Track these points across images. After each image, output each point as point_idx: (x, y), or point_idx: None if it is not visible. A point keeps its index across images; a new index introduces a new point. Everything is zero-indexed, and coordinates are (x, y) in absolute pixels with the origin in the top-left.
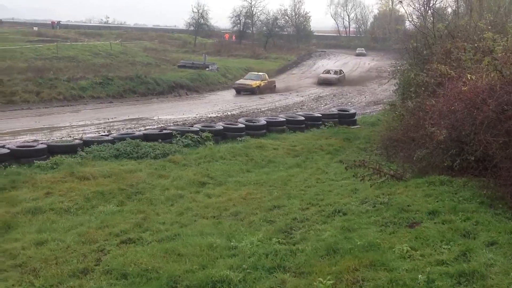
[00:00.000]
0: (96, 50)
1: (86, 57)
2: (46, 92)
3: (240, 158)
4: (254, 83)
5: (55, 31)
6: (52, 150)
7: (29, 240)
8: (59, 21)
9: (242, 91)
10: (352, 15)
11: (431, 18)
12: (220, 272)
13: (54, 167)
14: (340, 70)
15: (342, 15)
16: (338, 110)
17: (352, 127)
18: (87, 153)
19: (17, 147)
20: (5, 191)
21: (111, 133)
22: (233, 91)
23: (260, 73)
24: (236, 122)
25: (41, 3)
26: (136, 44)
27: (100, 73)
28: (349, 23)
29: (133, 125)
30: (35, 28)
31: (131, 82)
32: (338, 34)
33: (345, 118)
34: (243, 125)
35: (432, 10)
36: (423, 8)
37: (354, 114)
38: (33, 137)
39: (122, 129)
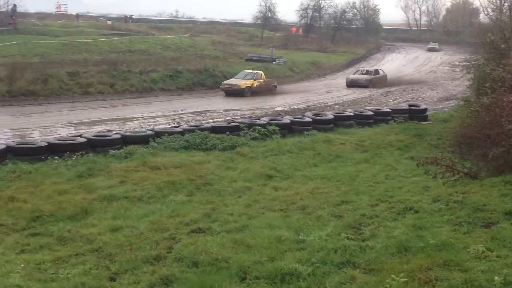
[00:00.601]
0: (166, 43)
1: (157, 50)
2: (119, 84)
3: (307, 152)
4: (244, 83)
5: (128, 25)
6: (126, 140)
7: (105, 226)
8: (132, 15)
9: (230, 92)
10: (423, 7)
11: (508, 12)
12: (289, 265)
13: (128, 156)
14: (376, 70)
15: (412, 7)
16: (409, 105)
17: (423, 123)
18: (158, 144)
19: (93, 136)
20: (82, 178)
21: (181, 125)
22: (302, 84)
23: (254, 71)
24: (303, 116)
25: None
26: (204, 37)
27: (170, 66)
28: (420, 16)
29: (202, 117)
30: (109, 22)
31: (200, 75)
32: (409, 27)
33: (415, 114)
34: (310, 119)
35: (509, 3)
36: (498, 1)
37: (425, 110)
38: (107, 127)
39: (191, 121)
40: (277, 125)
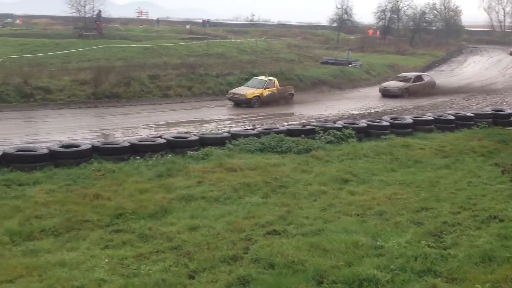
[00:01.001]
0: (242, 47)
1: (233, 53)
2: (197, 87)
3: (384, 156)
4: (251, 93)
5: (205, 29)
6: (203, 141)
7: (183, 225)
8: (209, 20)
9: (236, 102)
10: (507, 8)
11: None
12: (367, 271)
13: (205, 157)
14: (418, 76)
15: (496, 9)
16: (493, 110)
17: (508, 128)
18: (234, 146)
19: (172, 137)
20: (162, 178)
21: (256, 127)
22: (377, 89)
23: (266, 78)
24: (380, 119)
25: (194, 3)
26: (279, 40)
27: (245, 69)
28: (504, 17)
29: (276, 120)
30: (188, 27)
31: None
32: (492, 29)
33: (500, 119)
34: (388, 123)
35: None
36: None
37: (510, 115)
38: (185, 129)
39: (266, 123)
40: (353, 128)
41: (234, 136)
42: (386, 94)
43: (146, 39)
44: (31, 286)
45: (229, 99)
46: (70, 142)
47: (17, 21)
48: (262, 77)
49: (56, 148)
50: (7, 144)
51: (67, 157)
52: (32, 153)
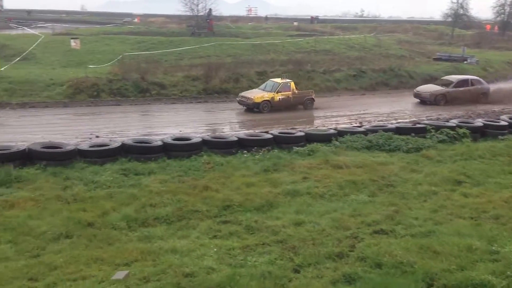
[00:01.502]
0: (350, 43)
1: (341, 50)
2: (303, 83)
3: (501, 158)
4: (259, 97)
5: (313, 26)
6: (309, 138)
7: (289, 220)
8: (317, 16)
9: (246, 107)
10: None
11: None
12: (481, 276)
13: (311, 154)
14: (464, 81)
15: None
16: None
17: None
18: (340, 143)
19: (279, 133)
20: (268, 172)
21: (364, 125)
22: (492, 86)
23: (282, 81)
24: (498, 119)
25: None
26: (389, 36)
27: (354, 65)
28: None
29: (384, 118)
30: (295, 23)
31: (384, 74)
32: None
33: None
34: (506, 123)
35: None
36: None
37: None
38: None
39: (373, 121)
40: (468, 128)
41: (340, 133)
42: (419, 98)
43: (255, 36)
44: (145, 270)
45: (239, 102)
46: (182, 135)
47: (135, 20)
48: (278, 80)
49: (169, 140)
50: (125, 135)
51: (179, 149)
52: (147, 145)
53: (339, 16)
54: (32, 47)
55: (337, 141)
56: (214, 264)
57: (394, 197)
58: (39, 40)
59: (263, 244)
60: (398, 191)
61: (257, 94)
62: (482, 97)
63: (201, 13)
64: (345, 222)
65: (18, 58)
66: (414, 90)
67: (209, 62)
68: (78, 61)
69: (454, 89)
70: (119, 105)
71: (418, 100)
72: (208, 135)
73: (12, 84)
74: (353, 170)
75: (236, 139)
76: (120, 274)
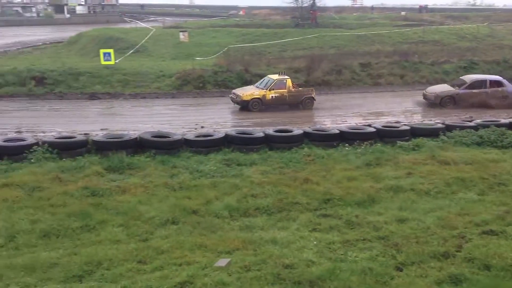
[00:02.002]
0: (461, 33)
1: (451, 40)
2: (409, 76)
3: None
4: (248, 94)
5: (422, 15)
6: (414, 132)
7: (391, 216)
8: (426, 5)
9: (236, 104)
10: None
11: None
12: None
13: (416, 148)
14: (481, 81)
15: None
16: None
17: None
18: (448, 138)
19: (382, 126)
20: (370, 167)
21: (474, 119)
22: None
23: (277, 77)
24: None
25: None
26: (504, 26)
27: (464, 57)
28: None
29: (495, 112)
30: (403, 13)
31: (497, 66)
32: None
33: None
34: None
35: None
36: None
37: None
38: (394, 119)
39: (484, 115)
40: None
41: (448, 128)
42: (426, 100)
43: (359, 26)
44: (246, 259)
45: (231, 99)
46: (283, 127)
47: (241, 12)
48: (275, 76)
49: (271, 132)
50: (226, 127)
51: (280, 141)
52: (250, 136)
53: (449, 5)
54: (144, 40)
55: (444, 136)
56: (314, 257)
57: (506, 197)
58: (150, 34)
59: (364, 239)
60: (509, 190)
61: (247, 92)
62: (501, 101)
63: (305, 5)
64: (451, 221)
65: (131, 51)
66: (424, 90)
67: (312, 53)
68: (186, 53)
69: (465, 90)
70: (223, 96)
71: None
72: (309, 127)
73: (126, 75)
74: (461, 167)
75: (337, 132)
76: (222, 262)
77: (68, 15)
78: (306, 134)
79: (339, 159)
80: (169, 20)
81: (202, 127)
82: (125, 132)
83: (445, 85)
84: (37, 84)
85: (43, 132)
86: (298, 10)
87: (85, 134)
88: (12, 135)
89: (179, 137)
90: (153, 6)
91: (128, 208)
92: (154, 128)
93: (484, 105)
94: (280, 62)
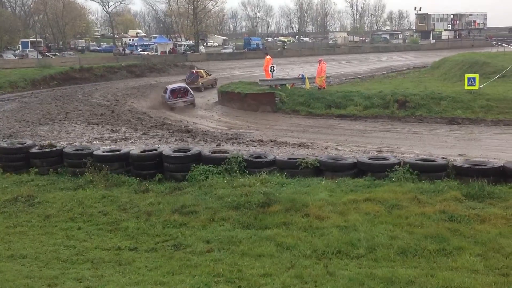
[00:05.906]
0: None
1: None
2: None
3: None
4: None
5: None
6: None
7: None
8: None
9: None
10: None
11: None
12: None
13: None
14: None
15: None
16: None
17: None
18: None
19: None
20: None
21: None
22: None
23: None
24: None
25: None
26: None
27: None
28: None
29: None
30: None
31: None
32: None
33: None
34: None
35: None
36: None
37: None
38: None
39: None
40: None
41: None
42: None
43: None
44: None
45: None
46: None
47: None
48: None
49: None
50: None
51: None
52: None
53: None
54: None
55: None
56: None
57: None
58: None
59: None
60: None
61: None
62: None
63: None
64: None
65: (497, 76)
66: None
67: None
68: None
69: None
70: None
71: None
72: None
73: (489, 101)
74: None
75: None
76: None
77: (433, 41)
78: None
79: None
80: None
81: None
82: (487, 160)
83: None
84: (400, 107)
85: (402, 153)
86: None
87: (443, 158)
88: (374, 153)
89: None
90: None
91: (487, 239)
92: None
93: None
94: None
